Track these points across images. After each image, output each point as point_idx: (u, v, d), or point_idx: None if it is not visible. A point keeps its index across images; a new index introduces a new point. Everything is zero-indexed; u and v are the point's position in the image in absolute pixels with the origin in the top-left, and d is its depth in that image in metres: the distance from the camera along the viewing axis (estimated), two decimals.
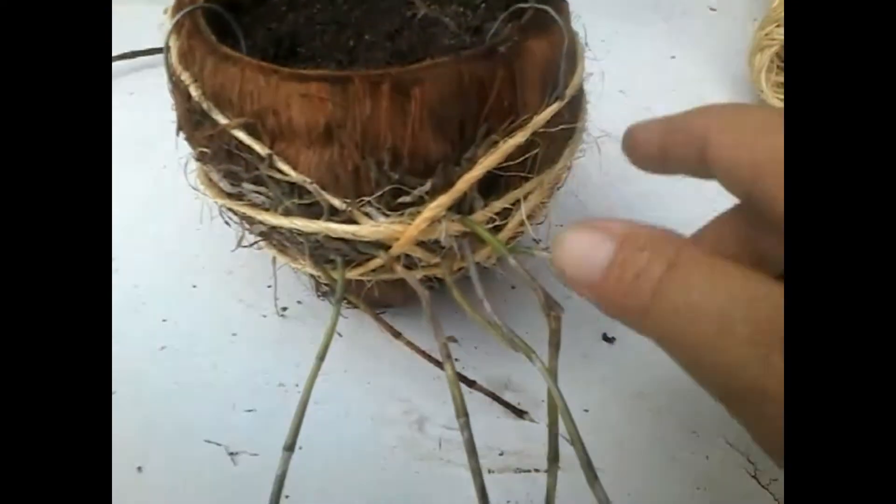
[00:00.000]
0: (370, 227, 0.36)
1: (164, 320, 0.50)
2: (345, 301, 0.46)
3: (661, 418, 0.49)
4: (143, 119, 0.61)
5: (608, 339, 0.54)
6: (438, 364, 0.45)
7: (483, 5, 0.47)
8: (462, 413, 0.32)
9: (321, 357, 0.36)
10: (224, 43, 0.38)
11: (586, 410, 0.49)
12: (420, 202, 0.36)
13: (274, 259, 0.47)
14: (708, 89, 0.85)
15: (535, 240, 0.43)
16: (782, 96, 0.81)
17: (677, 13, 1.04)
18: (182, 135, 0.42)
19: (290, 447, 0.35)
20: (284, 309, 0.52)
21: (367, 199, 0.35)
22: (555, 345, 0.36)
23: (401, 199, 0.35)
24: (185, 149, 0.42)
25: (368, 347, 0.49)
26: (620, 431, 0.48)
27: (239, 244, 0.42)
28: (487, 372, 0.49)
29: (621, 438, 0.47)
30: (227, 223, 0.44)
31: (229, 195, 0.39)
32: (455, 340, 0.40)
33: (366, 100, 0.34)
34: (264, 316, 0.51)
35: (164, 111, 0.43)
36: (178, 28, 0.39)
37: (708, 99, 0.83)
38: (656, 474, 0.46)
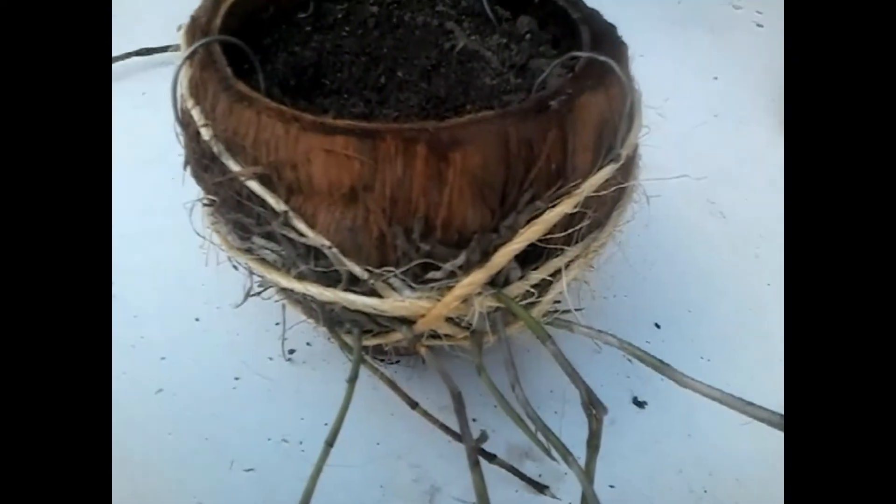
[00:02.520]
0: (394, 302, 0.31)
1: (162, 358, 0.47)
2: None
3: (695, 496, 0.45)
4: (151, 123, 0.57)
5: (639, 403, 0.50)
6: (455, 435, 0.41)
7: (528, 36, 0.43)
8: None
9: (330, 443, 0.32)
10: (241, 70, 0.34)
11: (612, 486, 0.45)
12: (451, 276, 0.31)
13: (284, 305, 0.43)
14: (749, 117, 0.80)
15: (575, 309, 0.38)
16: None
17: (721, 28, 0.99)
18: (189, 170, 0.38)
19: None
20: (292, 351, 0.48)
21: (391, 269, 0.31)
22: (594, 447, 0.33)
23: (430, 274, 0.31)
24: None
25: (376, 404, 0.45)
26: None
27: (247, 297, 0.38)
28: (507, 436, 0.45)
29: None
30: (234, 267, 0.40)
31: (237, 248, 0.35)
32: (485, 439, 0.36)
33: (398, 160, 0.29)
34: (270, 359, 0.48)
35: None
36: (190, 56, 0.35)
37: (749, 127, 0.79)
38: None
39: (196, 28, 0.36)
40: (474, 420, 0.45)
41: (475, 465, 0.29)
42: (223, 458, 0.42)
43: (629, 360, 0.52)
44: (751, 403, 0.33)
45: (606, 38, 0.37)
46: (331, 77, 0.38)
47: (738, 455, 0.47)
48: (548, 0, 0.42)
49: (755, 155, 0.74)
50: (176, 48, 0.40)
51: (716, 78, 0.87)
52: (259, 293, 0.39)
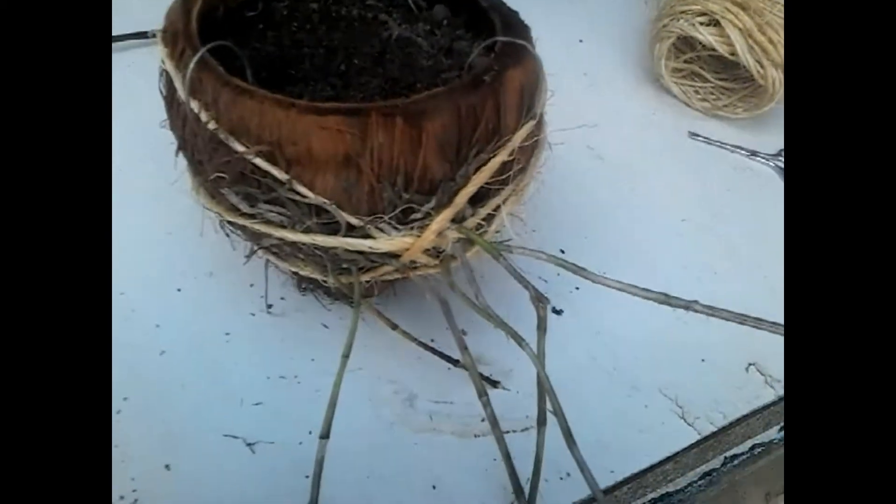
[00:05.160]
0: (385, 241, 0.41)
1: (157, 325, 0.53)
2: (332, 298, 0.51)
3: (607, 378, 0.58)
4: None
5: (557, 311, 0.62)
6: (430, 349, 0.51)
7: (445, 22, 0.52)
8: (483, 392, 0.39)
9: (346, 355, 0.41)
10: (225, 66, 0.40)
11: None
12: (426, 217, 0.41)
13: (267, 262, 0.50)
14: (615, 75, 0.94)
15: (507, 241, 0.49)
16: (678, 81, 0.92)
17: None
18: (181, 155, 0.44)
19: (325, 435, 0.41)
20: (270, 306, 0.56)
21: (381, 216, 0.40)
22: (543, 329, 0.44)
23: (411, 217, 0.41)
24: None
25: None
26: (576, 393, 0.56)
27: (250, 256, 0.46)
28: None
29: (577, 399, 0.56)
30: (227, 235, 0.47)
31: (243, 214, 0.42)
32: (465, 333, 0.46)
33: (380, 131, 0.38)
34: (252, 314, 0.55)
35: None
36: (176, 57, 0.41)
37: (617, 83, 0.93)
38: (606, 427, 0.55)
39: (175, 33, 0.43)
40: (432, 340, 0.55)
41: (465, 349, 0.39)
42: (233, 397, 0.49)
43: (544, 280, 0.65)
44: (641, 288, 0.46)
45: (514, 22, 0.47)
46: (296, 68, 0.46)
47: (635, 340, 0.61)
48: None
49: (623, 106, 0.89)
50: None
51: (581, 41, 1.01)
52: (255, 252, 0.46)
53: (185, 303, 0.55)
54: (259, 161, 0.40)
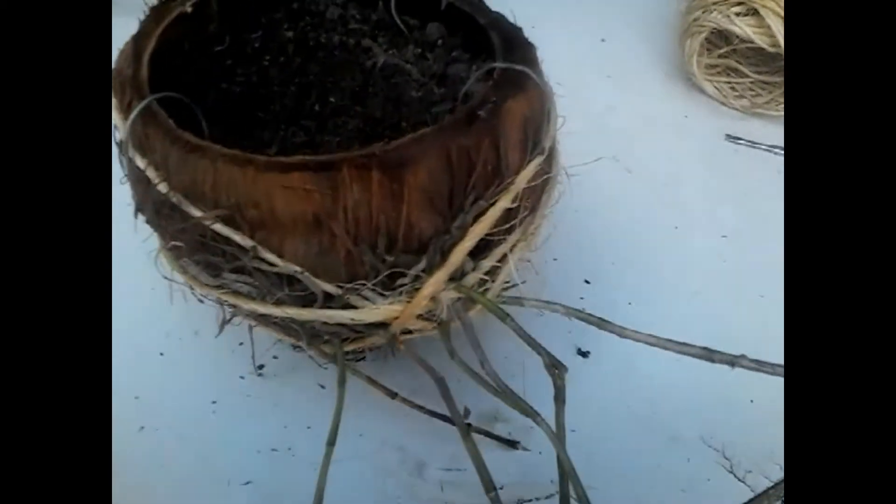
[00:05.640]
0: (369, 311, 0.35)
1: (136, 397, 0.48)
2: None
3: (643, 427, 0.51)
4: None
5: (583, 353, 0.55)
6: (431, 414, 0.45)
7: (440, 42, 0.46)
8: (490, 488, 0.33)
9: (331, 442, 0.36)
10: (177, 113, 0.35)
11: (573, 431, 0.50)
12: (416, 279, 0.35)
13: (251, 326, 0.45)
14: (642, 75, 0.86)
15: (521, 283, 0.43)
16: (713, 78, 0.83)
17: None
18: (141, 217, 0.39)
19: None
20: (261, 367, 0.50)
21: (363, 283, 0.34)
22: (561, 400, 0.38)
23: (398, 281, 0.35)
24: None
25: (351, 401, 0.48)
26: (608, 446, 0.50)
27: (222, 326, 0.40)
28: (475, 404, 0.50)
29: (609, 452, 0.50)
30: (200, 301, 0.42)
31: (210, 286, 0.37)
32: (469, 413, 0.41)
33: (354, 186, 0.32)
34: (242, 377, 0.50)
35: None
36: (124, 108, 0.36)
37: (645, 84, 0.85)
38: (643, 484, 0.49)
39: (123, 80, 0.37)
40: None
41: (467, 436, 0.33)
42: (220, 477, 0.44)
43: (568, 318, 0.58)
44: (679, 343, 0.39)
45: (516, 42, 0.41)
46: (264, 109, 0.40)
47: (671, 384, 0.53)
48: (453, 6, 0.46)
49: (652, 110, 0.81)
50: None
51: (603, 40, 0.94)
52: (229, 320, 0.41)
53: (168, 368, 0.50)
54: (218, 226, 0.34)
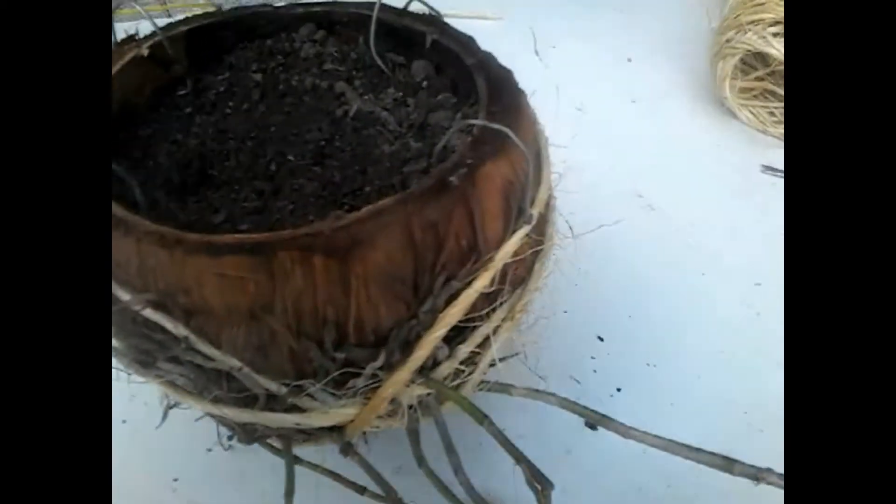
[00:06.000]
0: (319, 414, 0.30)
1: None
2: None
3: None
4: None
5: (591, 425, 0.49)
6: None
7: (425, 84, 0.41)
8: None
9: None
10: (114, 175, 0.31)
11: None
12: (374, 378, 0.30)
13: None
14: (669, 100, 0.80)
15: (512, 355, 0.38)
16: (748, 102, 0.76)
17: (626, 6, 0.98)
18: None
19: None
20: (230, 437, 0.46)
21: (311, 382, 0.29)
22: None
23: (351, 382, 0.29)
24: None
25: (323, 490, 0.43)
26: None
27: (165, 414, 0.36)
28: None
29: None
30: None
31: (144, 374, 0.32)
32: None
33: (295, 272, 0.27)
34: (209, 450, 0.45)
35: None
36: None
37: (673, 110, 0.78)
38: None
39: None
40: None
41: None
42: None
43: (577, 382, 0.52)
44: (694, 449, 0.33)
45: (503, 87, 0.35)
46: (218, 167, 0.35)
47: (689, 464, 0.47)
48: (440, 43, 0.41)
49: (680, 138, 0.74)
50: None
51: (629, 60, 0.87)
52: (173, 406, 0.37)
53: (130, 438, 0.46)
54: (148, 312, 0.30)
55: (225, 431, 0.45)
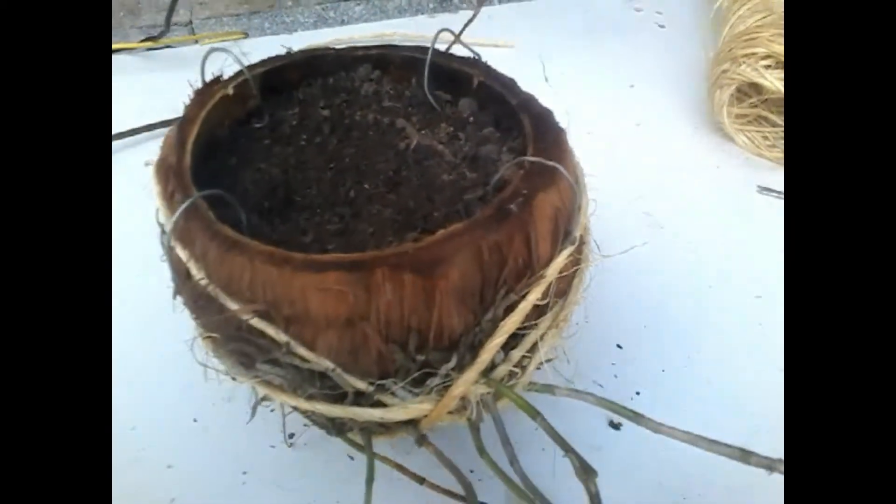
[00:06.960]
0: (399, 409, 0.35)
1: (169, 466, 0.48)
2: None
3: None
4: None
5: (615, 425, 0.55)
6: (461, 498, 0.44)
7: (471, 119, 0.46)
8: None
9: None
10: (217, 197, 0.36)
11: None
12: (447, 377, 0.35)
13: None
14: (671, 124, 0.86)
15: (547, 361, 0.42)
16: (743, 128, 0.83)
17: (627, 33, 1.04)
18: (181, 301, 0.40)
19: None
20: (292, 436, 0.51)
21: (394, 381, 0.35)
22: None
23: (429, 381, 0.35)
24: None
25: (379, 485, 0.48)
26: None
27: (254, 411, 0.41)
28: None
29: None
30: (233, 378, 0.42)
31: (244, 376, 0.37)
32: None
33: (387, 287, 0.33)
34: (273, 447, 0.50)
35: None
36: (167, 196, 0.37)
37: (674, 133, 0.84)
38: None
39: (167, 169, 0.38)
40: (480, 480, 0.48)
41: None
42: None
43: (600, 385, 0.58)
44: (712, 441, 0.38)
45: (546, 126, 0.41)
46: (301, 193, 0.41)
47: (707, 461, 0.52)
48: (485, 84, 0.46)
49: (682, 160, 0.80)
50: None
51: (632, 86, 0.93)
52: (261, 401, 0.41)
53: (201, 436, 0.50)
54: (255, 321, 0.35)
55: (289, 429, 0.50)
